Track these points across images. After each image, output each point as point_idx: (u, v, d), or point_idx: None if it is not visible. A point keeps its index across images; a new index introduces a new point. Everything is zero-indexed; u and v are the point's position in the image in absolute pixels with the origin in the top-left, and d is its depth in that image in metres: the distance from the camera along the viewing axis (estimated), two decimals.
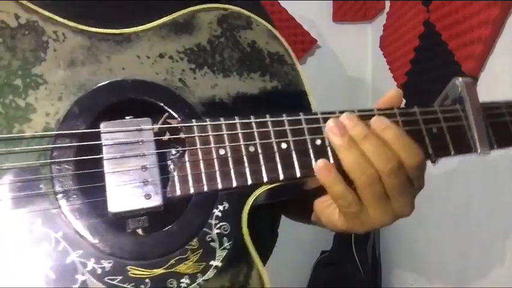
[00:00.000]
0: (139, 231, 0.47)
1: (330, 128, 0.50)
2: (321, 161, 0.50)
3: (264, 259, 0.68)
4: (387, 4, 1.71)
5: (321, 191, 0.55)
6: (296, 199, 0.54)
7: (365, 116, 0.53)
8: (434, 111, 0.59)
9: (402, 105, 0.59)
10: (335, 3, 1.88)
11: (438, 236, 1.37)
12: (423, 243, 1.48)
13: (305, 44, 1.87)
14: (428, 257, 1.44)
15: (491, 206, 1.10)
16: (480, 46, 1.07)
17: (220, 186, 0.48)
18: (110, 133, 0.47)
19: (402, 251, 1.64)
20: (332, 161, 0.52)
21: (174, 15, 0.54)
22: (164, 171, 0.48)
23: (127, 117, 0.48)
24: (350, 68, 1.94)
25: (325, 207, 0.56)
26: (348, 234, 0.55)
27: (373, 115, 0.55)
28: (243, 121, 0.51)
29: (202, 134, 0.49)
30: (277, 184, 0.50)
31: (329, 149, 0.52)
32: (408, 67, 1.50)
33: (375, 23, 1.87)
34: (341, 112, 0.54)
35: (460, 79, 0.62)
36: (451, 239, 1.29)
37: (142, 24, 0.53)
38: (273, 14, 1.84)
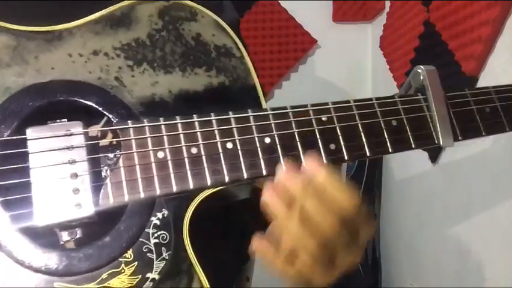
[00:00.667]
0: (71, 244, 0.44)
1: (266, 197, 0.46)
2: (257, 241, 0.46)
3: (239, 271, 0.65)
4: (387, 4, 1.70)
5: None
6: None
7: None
8: (394, 102, 0.56)
9: None
10: (335, 3, 1.86)
11: (438, 236, 1.37)
12: (423, 243, 1.47)
13: (305, 44, 1.86)
14: (428, 257, 1.44)
15: (491, 206, 1.09)
16: (480, 46, 1.06)
17: (158, 192, 0.45)
18: (37, 139, 0.43)
19: (402, 251, 1.63)
20: (282, 160, 0.49)
21: (110, 8, 0.51)
22: (99, 178, 0.45)
23: (57, 121, 0.45)
24: (350, 68, 1.92)
25: None
26: None
27: (349, 107, 0.52)
28: (185, 121, 0.47)
29: (139, 137, 0.46)
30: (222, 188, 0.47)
31: (279, 147, 0.49)
32: (408, 67, 1.49)
33: (375, 23, 1.86)
34: (293, 107, 0.51)
35: (423, 67, 0.58)
36: (451, 239, 1.28)
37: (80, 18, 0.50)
38: (273, 14, 1.83)
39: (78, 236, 0.44)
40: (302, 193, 0.44)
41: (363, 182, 1.72)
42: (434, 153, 1.33)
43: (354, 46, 1.91)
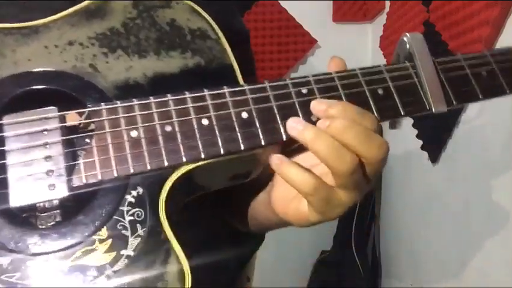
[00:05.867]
0: (50, 226, 0.44)
1: (292, 124, 0.46)
2: (276, 156, 0.46)
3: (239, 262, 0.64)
4: (387, 4, 1.71)
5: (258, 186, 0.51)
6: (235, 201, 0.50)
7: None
8: (379, 71, 0.54)
9: None
10: (335, 3, 1.88)
11: (438, 236, 1.35)
12: (423, 243, 1.46)
13: (305, 44, 1.87)
14: (428, 257, 1.42)
15: (491, 206, 1.08)
16: (480, 46, 1.05)
17: (132, 170, 0.44)
18: (13, 124, 0.44)
19: (402, 251, 1.61)
20: (260, 131, 0.47)
21: (85, 2, 0.52)
22: (74, 161, 0.45)
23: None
24: (350, 68, 1.91)
25: (288, 203, 0.51)
26: (321, 223, 0.50)
27: (331, 78, 0.52)
28: (159, 100, 0.47)
29: (111, 117, 0.46)
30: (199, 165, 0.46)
31: (256, 120, 0.48)
32: None
33: (375, 23, 1.88)
34: (271, 81, 0.50)
35: (408, 34, 0.56)
36: (451, 239, 1.27)
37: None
38: (273, 14, 1.85)
39: (58, 219, 0.44)
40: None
41: None
42: (434, 153, 1.30)
43: (354, 46, 1.91)
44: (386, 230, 1.70)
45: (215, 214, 0.62)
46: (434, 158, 1.32)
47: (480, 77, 0.56)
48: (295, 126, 0.46)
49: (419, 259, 1.49)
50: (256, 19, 1.82)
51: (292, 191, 0.49)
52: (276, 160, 0.46)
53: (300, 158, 0.49)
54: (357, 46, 1.91)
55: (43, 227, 0.43)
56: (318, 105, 0.47)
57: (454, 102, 0.54)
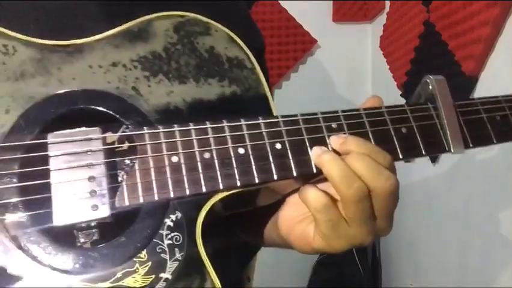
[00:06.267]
0: (87, 244, 0.45)
1: (316, 151, 0.49)
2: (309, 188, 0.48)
3: (240, 269, 0.66)
4: (387, 4, 1.72)
5: (276, 205, 0.54)
6: (249, 216, 0.52)
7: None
8: (403, 111, 0.57)
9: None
10: (335, 3, 1.89)
11: (438, 236, 1.36)
12: (423, 243, 1.46)
13: (305, 44, 1.88)
14: (428, 257, 1.43)
15: (491, 206, 1.08)
16: (480, 46, 1.06)
17: (172, 194, 0.46)
18: (58, 144, 0.46)
19: (402, 251, 1.62)
20: (292, 163, 0.50)
21: (129, 24, 0.54)
22: (115, 182, 0.47)
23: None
24: (350, 68, 1.94)
25: (295, 224, 0.52)
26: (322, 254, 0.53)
27: (359, 115, 0.53)
28: (198, 127, 0.49)
29: (154, 142, 0.47)
30: (233, 192, 0.48)
31: (289, 152, 0.50)
32: (408, 67, 1.50)
33: (375, 23, 1.88)
34: (303, 115, 0.52)
35: (431, 77, 0.60)
36: (451, 239, 1.27)
37: (99, 33, 0.53)
38: (273, 14, 1.86)
39: (95, 238, 0.45)
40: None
41: None
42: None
43: (354, 46, 1.92)
44: None
45: (228, 229, 0.64)
46: (434, 158, 1.32)
47: (495, 121, 0.60)
48: (317, 152, 0.49)
49: (419, 259, 1.49)
50: (256, 19, 1.83)
51: (300, 212, 0.51)
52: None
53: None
54: (357, 46, 1.93)
55: (84, 245, 0.45)
56: (336, 139, 0.51)
57: (471, 144, 0.57)
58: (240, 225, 0.67)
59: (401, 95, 1.56)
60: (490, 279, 1.08)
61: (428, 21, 1.34)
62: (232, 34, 0.57)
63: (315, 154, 0.49)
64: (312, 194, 0.47)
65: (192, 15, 0.56)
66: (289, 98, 1.57)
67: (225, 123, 0.50)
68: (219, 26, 0.57)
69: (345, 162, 0.47)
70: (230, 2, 0.64)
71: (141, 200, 0.45)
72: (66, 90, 0.49)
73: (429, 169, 1.35)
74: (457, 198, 1.23)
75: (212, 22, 0.56)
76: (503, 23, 1.01)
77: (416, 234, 1.49)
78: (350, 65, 1.93)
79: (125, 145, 0.47)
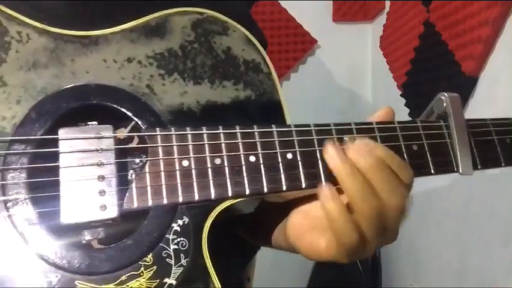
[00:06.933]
0: (94, 243, 0.45)
1: (330, 153, 0.47)
2: (327, 187, 0.46)
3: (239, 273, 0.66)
4: (387, 4, 1.71)
5: (286, 207, 0.53)
6: (253, 219, 0.52)
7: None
8: (416, 127, 0.56)
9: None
10: (335, 3, 1.87)
11: (438, 236, 1.36)
12: (423, 243, 1.47)
13: (305, 44, 1.86)
14: (428, 257, 1.43)
15: (491, 206, 1.09)
16: (480, 46, 1.06)
17: (181, 199, 0.46)
18: (69, 140, 0.45)
19: (402, 251, 1.63)
20: (302, 175, 0.49)
21: (146, 17, 0.52)
22: (124, 181, 0.46)
23: (88, 123, 0.47)
24: (350, 68, 1.93)
25: (305, 232, 0.51)
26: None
27: (371, 129, 0.53)
28: (211, 132, 0.48)
29: (166, 144, 0.47)
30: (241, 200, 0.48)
31: (300, 163, 0.50)
32: (408, 67, 1.49)
33: (375, 23, 1.87)
34: (316, 125, 0.52)
35: (446, 94, 0.59)
36: (451, 239, 1.28)
37: (116, 26, 0.52)
38: (273, 14, 1.84)
39: (101, 236, 0.45)
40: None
41: None
42: None
43: (354, 46, 1.92)
44: None
45: (229, 229, 0.64)
46: None
47: (505, 144, 0.59)
48: (333, 156, 0.47)
49: (419, 259, 1.50)
50: (256, 19, 1.81)
51: (309, 221, 0.51)
52: (329, 196, 0.47)
53: None
54: (357, 46, 1.92)
55: (89, 243, 0.44)
56: (364, 146, 0.48)
57: (479, 166, 0.57)
58: (243, 227, 0.67)
59: (400, 95, 1.55)
60: (490, 279, 1.08)
61: (428, 21, 1.33)
62: (250, 35, 0.56)
63: (331, 157, 0.47)
64: (329, 196, 0.46)
65: (211, 12, 0.54)
66: (289, 98, 1.55)
67: (238, 130, 0.49)
68: (237, 25, 0.55)
69: (363, 175, 0.46)
70: (230, 2, 0.62)
71: (150, 203, 0.45)
72: (79, 83, 0.48)
73: None
74: (457, 198, 1.23)
75: (230, 21, 0.55)
76: (503, 23, 1.01)
77: (416, 234, 1.49)
78: (350, 65, 1.92)
79: (137, 146, 0.47)
